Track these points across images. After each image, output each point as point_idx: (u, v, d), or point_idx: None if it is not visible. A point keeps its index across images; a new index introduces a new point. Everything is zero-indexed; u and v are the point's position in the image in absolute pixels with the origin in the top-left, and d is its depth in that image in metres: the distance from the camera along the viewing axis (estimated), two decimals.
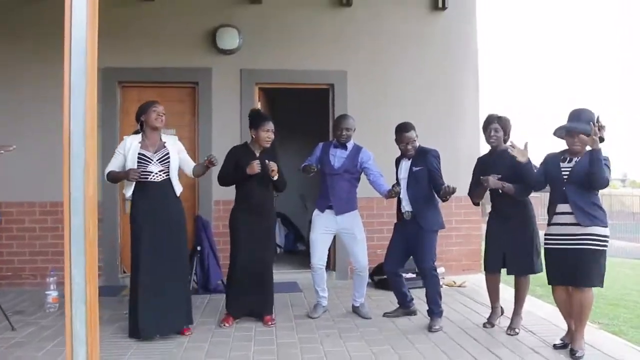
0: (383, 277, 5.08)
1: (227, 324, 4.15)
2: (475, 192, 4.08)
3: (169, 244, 3.90)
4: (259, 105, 6.04)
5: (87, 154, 1.92)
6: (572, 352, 3.38)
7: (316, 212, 4.47)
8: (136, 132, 4.07)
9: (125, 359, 3.46)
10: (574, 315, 3.47)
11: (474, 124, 5.98)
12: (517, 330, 3.88)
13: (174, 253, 3.92)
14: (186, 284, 4.17)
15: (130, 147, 3.91)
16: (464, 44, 6.23)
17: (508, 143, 3.82)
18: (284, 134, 7.85)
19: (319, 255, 4.40)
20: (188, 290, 4.16)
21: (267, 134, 4.21)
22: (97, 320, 2.01)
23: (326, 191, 4.41)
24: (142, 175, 3.85)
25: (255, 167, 4.04)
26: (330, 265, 6.10)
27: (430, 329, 4.00)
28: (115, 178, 3.99)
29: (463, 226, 6.10)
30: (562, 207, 3.47)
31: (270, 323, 4.18)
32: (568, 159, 3.53)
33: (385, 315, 4.43)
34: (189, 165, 4.14)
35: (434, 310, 4.09)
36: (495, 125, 3.98)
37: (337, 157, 4.41)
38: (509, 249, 3.90)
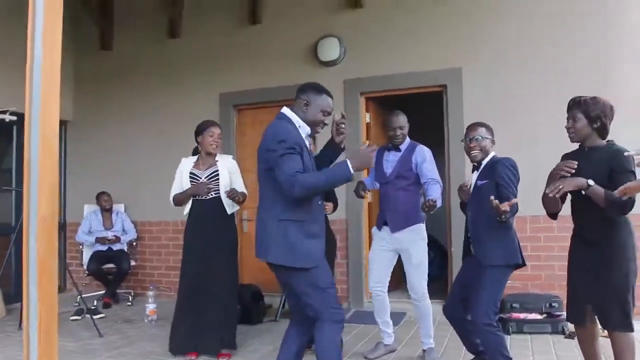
0: None
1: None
2: (547, 198, 2.76)
3: (216, 263, 3.76)
4: (367, 118, 5.57)
5: (41, 171, 1.88)
6: None
7: (374, 229, 3.82)
8: (195, 151, 4.07)
9: None
10: None
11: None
12: None
13: (221, 273, 3.76)
14: (230, 306, 3.84)
15: (183, 167, 3.93)
16: (626, 17, 4.73)
17: None
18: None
19: (375, 276, 3.70)
20: (232, 314, 3.87)
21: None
22: (55, 335, 1.91)
23: (380, 204, 3.75)
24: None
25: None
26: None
27: None
28: (179, 201, 3.87)
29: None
30: None
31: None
32: None
33: None
34: (237, 189, 3.89)
35: None
36: (574, 113, 2.72)
37: (390, 162, 3.71)
38: (593, 292, 2.64)
